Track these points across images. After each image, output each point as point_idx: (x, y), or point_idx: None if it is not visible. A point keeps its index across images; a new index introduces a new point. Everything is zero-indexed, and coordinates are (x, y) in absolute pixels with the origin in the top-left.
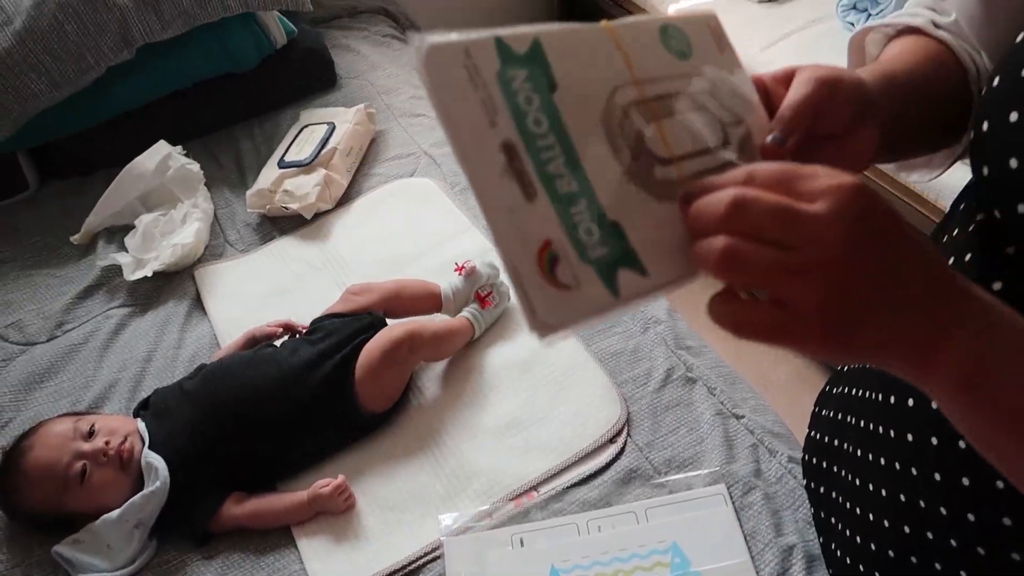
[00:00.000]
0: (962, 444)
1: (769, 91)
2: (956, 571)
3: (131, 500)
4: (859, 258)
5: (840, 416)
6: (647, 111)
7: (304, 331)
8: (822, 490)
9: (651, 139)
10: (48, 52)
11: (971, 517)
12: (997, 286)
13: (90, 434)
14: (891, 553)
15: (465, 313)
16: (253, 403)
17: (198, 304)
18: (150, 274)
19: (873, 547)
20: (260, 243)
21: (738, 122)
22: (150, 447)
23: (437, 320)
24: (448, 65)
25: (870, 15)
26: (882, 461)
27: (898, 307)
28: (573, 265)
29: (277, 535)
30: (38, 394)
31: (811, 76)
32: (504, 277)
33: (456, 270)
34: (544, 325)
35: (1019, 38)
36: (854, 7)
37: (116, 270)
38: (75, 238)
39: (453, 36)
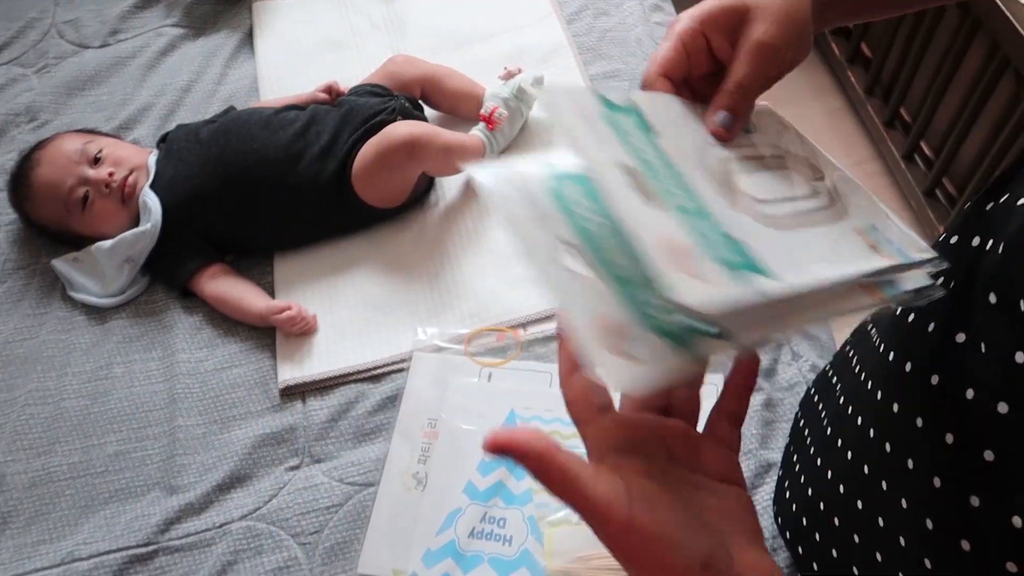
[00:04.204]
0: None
1: (710, 42)
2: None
3: (122, 235)
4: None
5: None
6: (735, 166)
7: (345, 93)
8: (821, 406)
9: (746, 184)
10: None
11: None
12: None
13: (96, 160)
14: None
15: (476, 131)
16: (257, 168)
17: (249, 40)
18: None
19: (829, 475)
20: None
21: (819, 177)
22: (152, 185)
23: (449, 133)
24: (558, 103)
25: None
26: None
27: None
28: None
29: None
30: (78, 101)
31: (750, 50)
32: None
33: (483, 118)
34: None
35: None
36: None
37: None
38: None
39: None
